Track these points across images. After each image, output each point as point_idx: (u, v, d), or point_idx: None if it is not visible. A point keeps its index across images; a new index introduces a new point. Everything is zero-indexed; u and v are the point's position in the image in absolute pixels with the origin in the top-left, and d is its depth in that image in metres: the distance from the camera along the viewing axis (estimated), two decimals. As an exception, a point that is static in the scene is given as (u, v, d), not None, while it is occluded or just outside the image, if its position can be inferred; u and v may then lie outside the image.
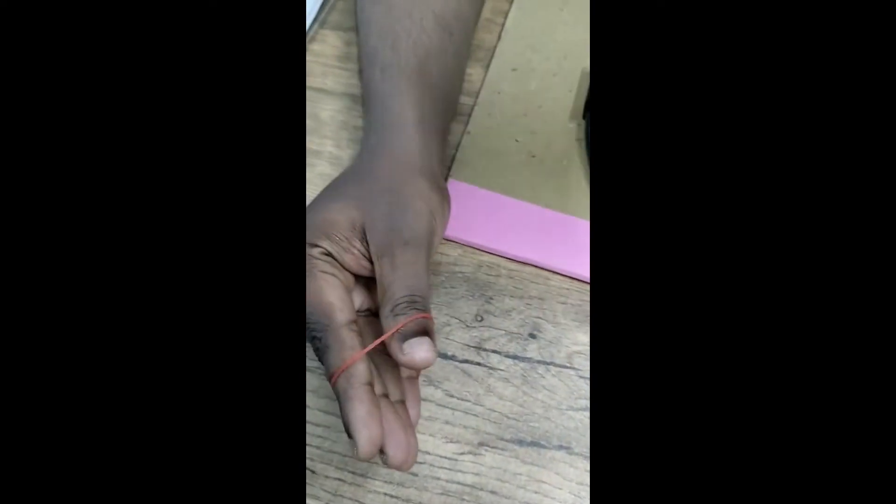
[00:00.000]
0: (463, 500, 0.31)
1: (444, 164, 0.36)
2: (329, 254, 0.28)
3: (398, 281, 0.27)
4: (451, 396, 0.33)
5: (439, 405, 0.33)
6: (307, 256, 0.28)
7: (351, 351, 0.26)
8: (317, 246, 0.28)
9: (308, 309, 0.27)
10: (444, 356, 0.34)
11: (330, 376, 0.26)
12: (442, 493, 0.31)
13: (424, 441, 0.32)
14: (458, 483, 0.32)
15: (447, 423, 0.33)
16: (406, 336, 0.26)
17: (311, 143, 0.40)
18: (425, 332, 0.26)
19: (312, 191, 0.38)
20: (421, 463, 0.32)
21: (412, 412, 0.29)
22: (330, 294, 0.27)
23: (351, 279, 0.29)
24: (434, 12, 0.36)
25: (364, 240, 0.29)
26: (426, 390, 0.33)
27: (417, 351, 0.25)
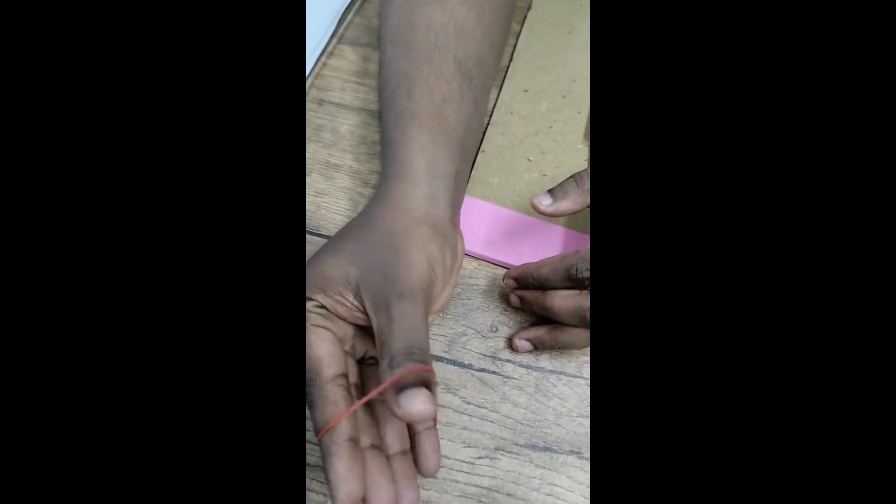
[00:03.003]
0: (480, 501, 0.33)
1: (458, 205, 0.36)
2: (323, 307, 0.29)
3: (394, 334, 0.26)
4: (469, 403, 0.35)
5: (457, 412, 0.35)
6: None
7: (334, 407, 0.27)
8: (311, 300, 0.29)
9: None
10: (461, 365, 0.36)
11: (316, 432, 0.27)
12: (461, 496, 0.33)
13: (444, 445, 0.34)
14: (476, 486, 0.33)
15: (465, 428, 0.35)
16: (403, 388, 0.24)
17: (331, 156, 0.41)
18: (424, 384, 0.25)
19: (333, 203, 0.40)
20: (441, 466, 0.34)
21: (429, 462, 0.30)
22: (319, 348, 0.28)
23: (347, 329, 0.30)
24: (455, 57, 0.36)
25: (358, 294, 0.28)
26: (445, 397, 0.35)
27: (413, 403, 0.24)
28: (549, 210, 0.32)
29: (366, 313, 0.28)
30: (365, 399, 0.27)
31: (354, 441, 0.27)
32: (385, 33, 0.38)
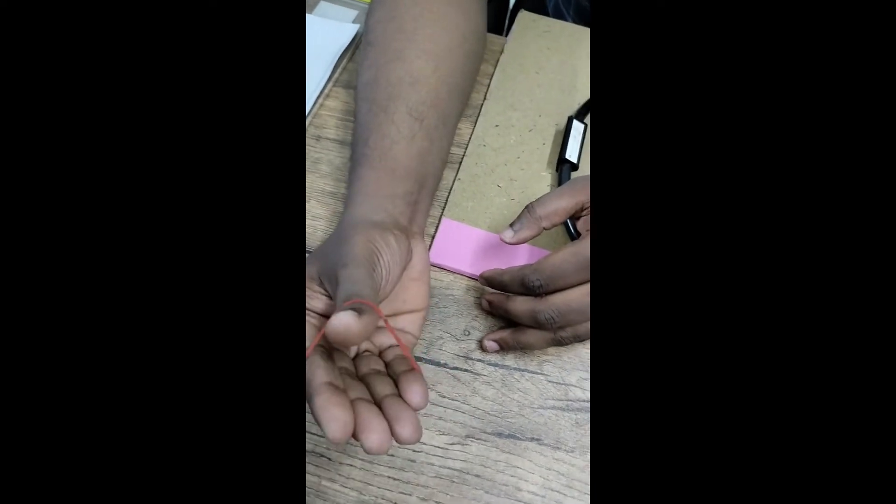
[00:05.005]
0: (453, 482, 0.38)
1: (411, 216, 0.41)
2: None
3: (340, 290, 0.31)
4: (444, 397, 0.40)
5: (433, 404, 0.40)
6: None
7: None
8: None
9: None
10: (437, 364, 0.41)
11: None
12: (435, 477, 0.38)
13: (422, 434, 0.39)
14: (449, 468, 0.39)
15: (440, 419, 0.40)
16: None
17: (328, 185, 0.47)
18: (355, 309, 0.28)
19: (328, 225, 0.46)
20: (418, 451, 0.39)
21: (415, 397, 0.31)
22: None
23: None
24: (407, 105, 0.42)
25: (320, 282, 0.34)
26: (423, 392, 0.40)
27: (341, 317, 0.27)
28: (512, 240, 0.39)
29: (329, 295, 0.34)
30: (318, 336, 0.31)
31: (333, 384, 0.29)
32: (358, 89, 0.45)
